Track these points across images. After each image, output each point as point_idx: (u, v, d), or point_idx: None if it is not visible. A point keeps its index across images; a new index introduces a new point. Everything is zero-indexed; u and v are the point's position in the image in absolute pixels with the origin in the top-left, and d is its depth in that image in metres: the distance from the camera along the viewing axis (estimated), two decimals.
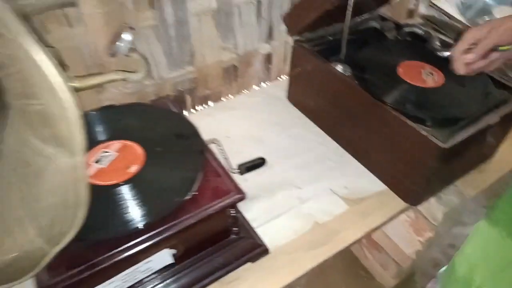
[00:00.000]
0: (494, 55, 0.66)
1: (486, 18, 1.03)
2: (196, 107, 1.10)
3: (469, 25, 0.95)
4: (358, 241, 0.73)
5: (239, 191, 0.59)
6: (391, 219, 0.77)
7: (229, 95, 1.14)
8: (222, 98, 1.13)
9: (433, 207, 0.85)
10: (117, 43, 0.57)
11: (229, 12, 0.97)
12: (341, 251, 0.71)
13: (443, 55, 0.84)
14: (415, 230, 0.93)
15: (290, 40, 1.12)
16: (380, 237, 1.09)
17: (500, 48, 0.64)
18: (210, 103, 1.11)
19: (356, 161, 0.86)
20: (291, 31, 0.89)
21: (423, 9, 1.02)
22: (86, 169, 0.35)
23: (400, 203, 0.78)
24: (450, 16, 0.99)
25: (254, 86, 1.17)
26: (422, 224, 0.90)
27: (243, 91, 1.15)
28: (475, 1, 1.09)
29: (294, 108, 0.99)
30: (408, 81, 0.79)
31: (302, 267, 0.68)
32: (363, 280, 1.21)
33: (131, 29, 0.59)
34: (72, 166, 0.35)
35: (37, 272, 0.40)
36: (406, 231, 0.96)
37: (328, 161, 0.87)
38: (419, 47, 0.89)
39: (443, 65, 0.81)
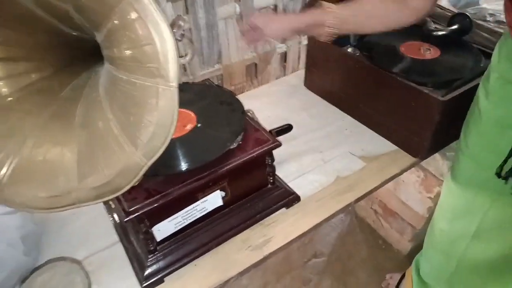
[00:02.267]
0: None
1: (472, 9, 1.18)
2: None
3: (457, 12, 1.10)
4: (376, 189, 0.85)
5: (274, 140, 0.73)
6: (402, 171, 0.89)
7: (251, 90, 1.29)
8: (244, 93, 1.28)
9: (439, 164, 0.97)
10: (174, 30, 0.71)
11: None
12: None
13: (437, 34, 0.98)
14: (425, 188, 1.04)
15: (303, 40, 1.28)
16: (394, 204, 1.20)
17: None
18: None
19: (370, 130, 1.00)
20: None
21: None
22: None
23: (410, 159, 0.91)
24: (441, 7, 1.14)
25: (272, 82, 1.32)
26: (431, 180, 1.01)
27: (262, 86, 1.31)
28: None
29: (311, 92, 1.14)
30: (410, 55, 0.94)
31: (328, 210, 0.80)
32: (381, 249, 1.31)
33: (184, 19, 0.74)
34: (169, 91, 0.48)
35: (137, 181, 0.53)
36: (417, 192, 1.07)
37: (345, 131, 1.00)
38: (416, 30, 1.03)
39: (438, 42, 0.96)
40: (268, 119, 1.04)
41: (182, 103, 0.80)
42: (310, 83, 1.15)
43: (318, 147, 0.95)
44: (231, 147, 0.70)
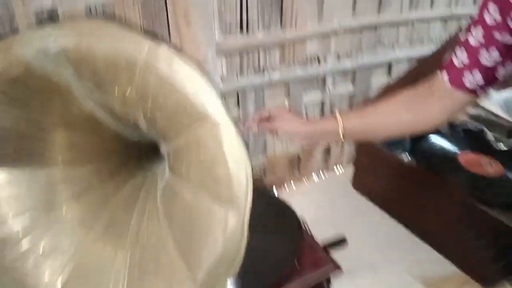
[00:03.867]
0: None
1: None
2: None
3: None
4: None
5: (335, 263, 0.65)
6: None
7: (291, 182, 1.24)
8: (285, 184, 1.23)
9: None
10: None
11: (298, 110, 1.12)
12: None
13: (499, 148, 0.93)
14: None
15: None
16: None
17: None
18: (275, 189, 1.21)
19: (427, 245, 0.91)
20: None
21: (470, 109, 1.14)
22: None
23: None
24: (496, 115, 1.10)
25: (314, 174, 1.27)
26: None
27: (303, 178, 1.25)
28: None
29: (361, 195, 1.07)
30: (472, 169, 0.88)
31: None
32: None
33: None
34: (238, 223, 0.43)
35: None
36: None
37: (400, 244, 0.91)
38: (475, 140, 0.98)
39: (501, 156, 0.90)
40: (314, 223, 0.97)
41: None
42: (358, 185, 1.09)
43: (372, 263, 0.86)
44: (286, 268, 0.63)
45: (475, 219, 0.78)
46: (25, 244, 0.51)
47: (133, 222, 0.54)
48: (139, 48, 0.39)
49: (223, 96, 0.97)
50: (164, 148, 0.51)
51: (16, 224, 0.52)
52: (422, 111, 0.65)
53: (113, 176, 0.58)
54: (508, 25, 0.53)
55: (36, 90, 0.48)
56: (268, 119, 0.75)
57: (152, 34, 0.41)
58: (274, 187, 1.20)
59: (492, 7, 0.54)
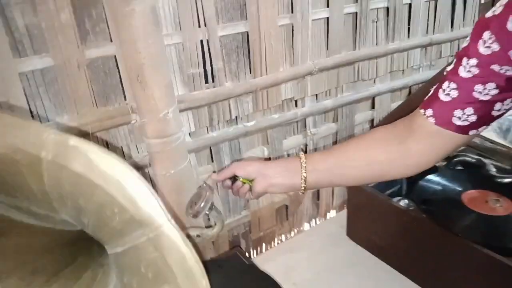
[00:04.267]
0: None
1: None
2: (251, 251, 1.09)
3: None
4: None
5: None
6: None
7: (282, 235, 1.13)
8: (275, 239, 1.12)
9: None
10: (202, 204, 0.59)
11: (279, 157, 1.03)
12: None
13: (503, 181, 0.84)
14: None
15: None
16: None
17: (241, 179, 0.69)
18: (263, 247, 1.11)
19: None
20: None
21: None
22: None
23: None
24: (492, 141, 1.03)
25: (305, 223, 1.16)
26: None
27: (294, 229, 1.15)
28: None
29: (356, 244, 0.97)
30: (478, 210, 0.78)
31: None
32: None
33: (211, 188, 0.63)
34: None
35: None
36: None
37: None
38: (476, 175, 0.90)
39: (507, 190, 0.81)
40: (307, 283, 0.86)
41: None
42: (353, 233, 0.99)
43: None
44: None
45: (489, 270, 0.68)
46: None
47: None
48: (41, 143, 0.30)
49: (195, 153, 0.88)
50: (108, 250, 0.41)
51: None
52: (400, 152, 0.57)
53: (50, 284, 0.48)
54: (508, 56, 0.45)
55: None
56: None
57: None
58: (262, 244, 1.09)
59: (487, 35, 0.47)
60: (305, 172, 0.62)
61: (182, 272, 0.31)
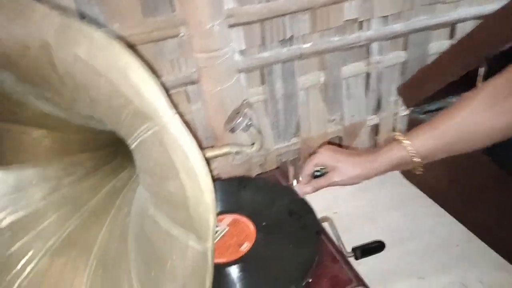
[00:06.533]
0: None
1: None
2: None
3: None
4: None
5: (360, 282, 0.52)
6: None
7: None
8: None
9: None
10: (239, 119, 0.58)
11: (337, 85, 0.96)
12: None
13: None
14: None
15: (401, 111, 1.07)
16: None
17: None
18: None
19: (489, 248, 0.73)
20: (407, 103, 0.84)
21: None
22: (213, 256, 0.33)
23: None
24: None
25: None
26: None
27: None
28: None
29: (410, 183, 0.91)
30: None
31: None
32: None
33: (250, 105, 0.60)
34: (200, 253, 0.33)
35: None
36: None
37: (454, 247, 0.75)
38: None
39: None
40: (350, 218, 0.83)
41: (243, 205, 0.64)
42: (408, 172, 0.92)
43: (417, 269, 0.71)
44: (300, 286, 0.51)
45: None
46: None
47: (101, 235, 0.46)
48: (46, 28, 0.29)
49: (245, 73, 0.85)
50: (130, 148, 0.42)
51: None
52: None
53: (88, 178, 0.51)
54: None
55: None
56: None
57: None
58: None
59: None
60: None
61: (185, 168, 0.31)
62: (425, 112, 0.84)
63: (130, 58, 0.29)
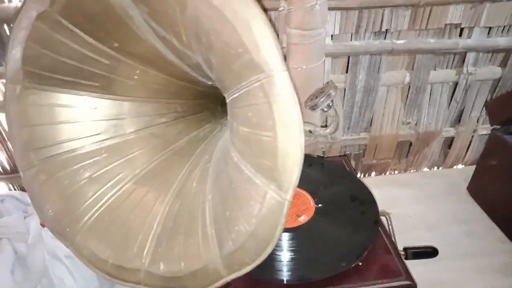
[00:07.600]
0: None
1: None
2: (359, 174, 1.08)
3: None
4: None
5: (409, 277, 0.53)
6: None
7: (395, 171, 1.08)
8: (386, 172, 1.08)
9: None
10: (323, 98, 0.59)
11: (421, 88, 0.94)
12: None
13: None
14: None
15: (480, 129, 1.02)
16: None
17: None
18: (372, 173, 1.08)
19: None
20: (492, 120, 0.81)
21: None
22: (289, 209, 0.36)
23: None
24: None
25: (425, 169, 1.08)
26: None
27: (410, 169, 1.08)
28: None
29: (473, 201, 0.88)
30: None
31: None
32: None
33: (335, 87, 0.61)
34: (277, 202, 0.35)
35: None
36: None
37: (510, 275, 0.72)
38: None
39: None
40: (406, 221, 0.83)
41: (306, 181, 0.66)
42: (475, 189, 0.89)
43: (471, 286, 0.70)
44: (346, 267, 0.53)
45: None
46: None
47: (182, 173, 0.50)
48: None
49: (331, 58, 0.86)
50: (227, 99, 0.45)
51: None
52: None
53: (176, 123, 0.55)
54: None
55: (102, 20, 0.45)
56: None
57: None
58: (371, 171, 1.07)
59: None
60: None
61: (282, 121, 0.33)
62: (509, 133, 0.80)
63: (257, 11, 0.32)
